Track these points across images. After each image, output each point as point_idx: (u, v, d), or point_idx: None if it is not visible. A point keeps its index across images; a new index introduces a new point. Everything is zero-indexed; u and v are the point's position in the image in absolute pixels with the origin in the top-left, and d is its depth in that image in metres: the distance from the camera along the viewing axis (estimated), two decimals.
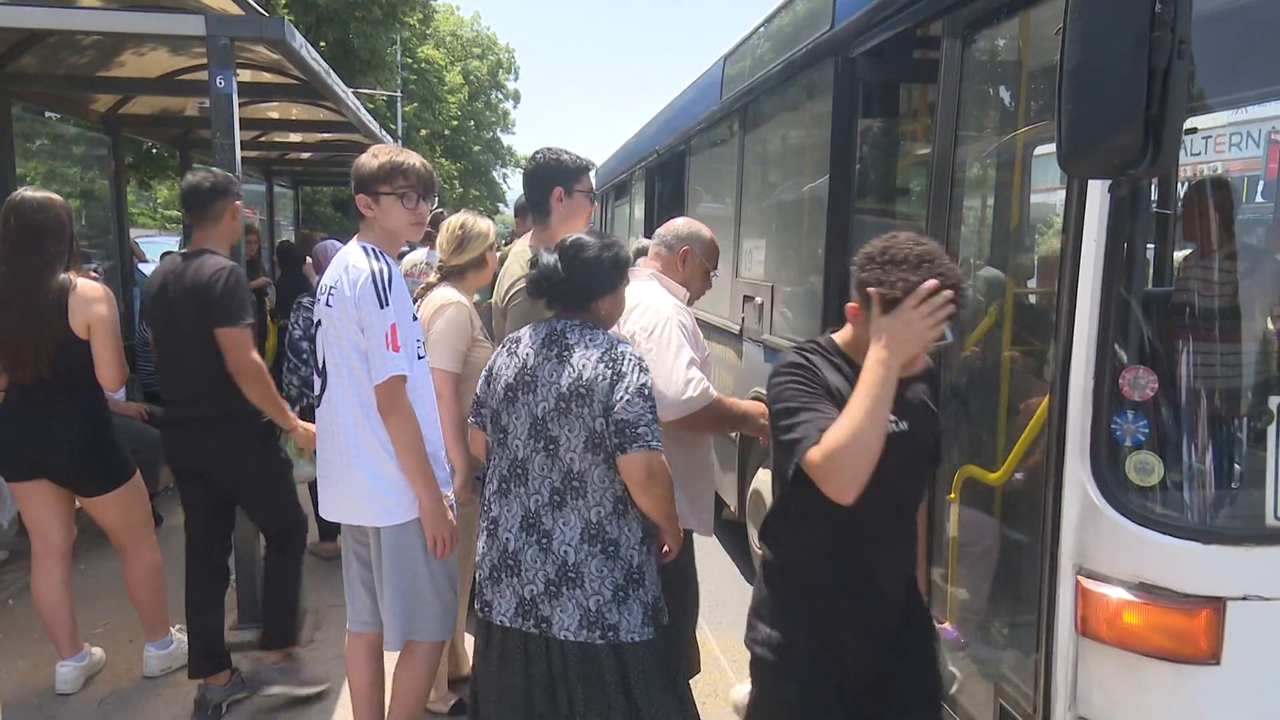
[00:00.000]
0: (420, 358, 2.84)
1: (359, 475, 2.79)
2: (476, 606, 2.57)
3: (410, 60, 32.86)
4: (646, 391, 2.37)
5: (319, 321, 2.85)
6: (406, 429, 2.72)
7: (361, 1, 20.30)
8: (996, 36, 2.97)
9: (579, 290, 2.49)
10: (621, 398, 2.34)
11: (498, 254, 3.67)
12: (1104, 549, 2.20)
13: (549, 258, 2.51)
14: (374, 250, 2.75)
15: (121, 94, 6.91)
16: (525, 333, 2.55)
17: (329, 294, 2.76)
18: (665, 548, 2.62)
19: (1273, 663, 2.12)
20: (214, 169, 3.68)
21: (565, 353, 2.42)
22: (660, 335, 2.92)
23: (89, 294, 3.45)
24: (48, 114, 7.98)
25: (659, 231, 3.33)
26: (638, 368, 2.39)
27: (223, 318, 3.31)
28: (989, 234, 3.54)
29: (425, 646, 2.96)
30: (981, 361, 3.05)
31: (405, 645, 2.93)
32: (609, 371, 2.36)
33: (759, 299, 4.85)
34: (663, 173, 7.87)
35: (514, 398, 2.47)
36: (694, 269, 3.25)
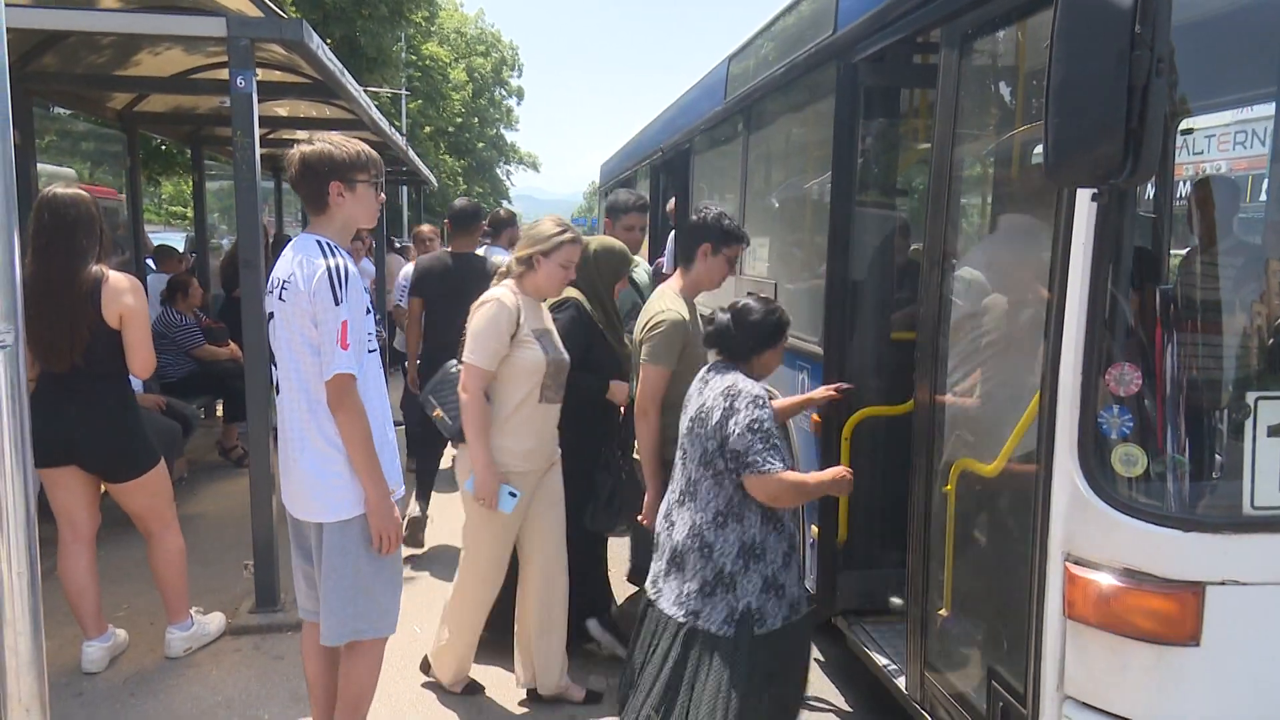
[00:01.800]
0: (371, 351, 2.81)
1: (303, 470, 2.80)
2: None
3: (415, 57, 32.93)
4: (756, 426, 2.77)
5: (271, 314, 2.84)
6: (356, 424, 2.72)
7: None
8: (993, 44, 3.06)
9: (742, 344, 3.00)
10: (734, 431, 2.78)
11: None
12: (1091, 537, 2.29)
13: (724, 317, 3.03)
14: (329, 245, 2.74)
15: (137, 92, 7.01)
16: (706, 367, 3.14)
17: (281, 288, 2.74)
18: None
19: (1249, 643, 2.21)
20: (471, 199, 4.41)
21: (704, 386, 2.97)
22: None
23: (120, 285, 3.62)
24: (56, 110, 8.01)
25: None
26: (750, 405, 2.80)
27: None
28: (986, 233, 3.64)
29: (370, 642, 2.95)
30: (977, 359, 3.15)
31: (350, 643, 2.91)
32: (726, 405, 2.82)
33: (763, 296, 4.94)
34: (668, 170, 7.93)
35: (681, 414, 3.06)
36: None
